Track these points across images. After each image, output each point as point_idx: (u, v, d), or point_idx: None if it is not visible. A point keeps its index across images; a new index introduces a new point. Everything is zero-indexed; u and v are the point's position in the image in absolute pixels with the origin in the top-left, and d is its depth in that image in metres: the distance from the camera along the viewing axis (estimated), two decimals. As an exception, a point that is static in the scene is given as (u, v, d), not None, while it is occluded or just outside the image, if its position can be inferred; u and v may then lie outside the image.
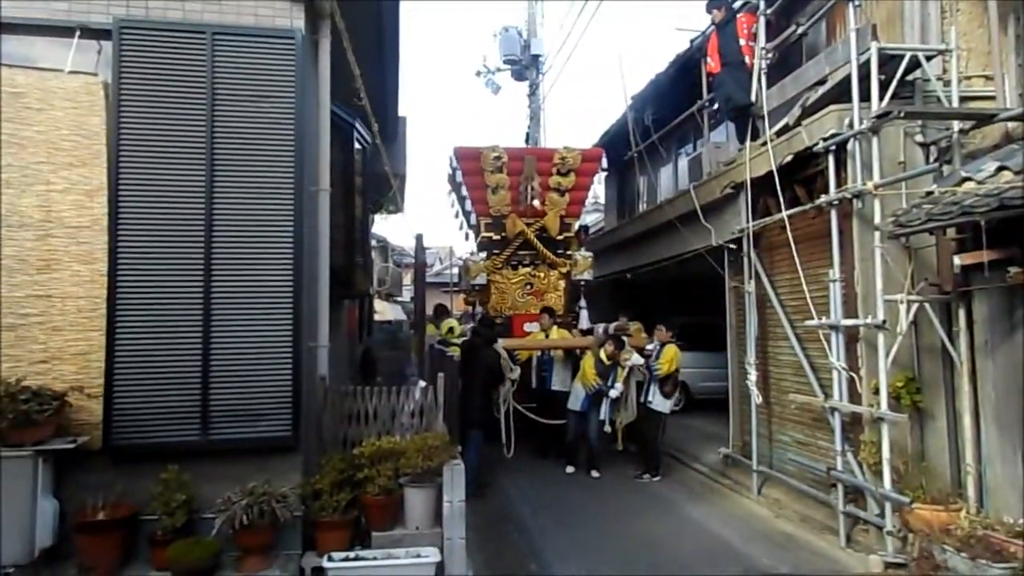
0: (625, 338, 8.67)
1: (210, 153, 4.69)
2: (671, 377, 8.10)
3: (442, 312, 10.96)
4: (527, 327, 9.77)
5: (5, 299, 4.39)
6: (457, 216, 11.02)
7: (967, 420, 5.21)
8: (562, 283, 10.38)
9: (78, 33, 4.62)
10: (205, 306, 4.63)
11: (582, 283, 10.53)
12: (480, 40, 52.85)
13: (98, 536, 4.24)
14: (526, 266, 10.30)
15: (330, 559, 4.39)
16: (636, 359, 8.46)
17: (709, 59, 8.21)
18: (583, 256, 10.50)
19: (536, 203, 10.04)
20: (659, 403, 8.10)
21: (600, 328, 9.68)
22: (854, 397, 5.80)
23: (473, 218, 10.32)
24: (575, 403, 8.35)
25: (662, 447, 8.38)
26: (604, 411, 8.39)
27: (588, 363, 8.21)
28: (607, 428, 8.54)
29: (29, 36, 4.61)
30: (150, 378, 4.53)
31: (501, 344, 8.42)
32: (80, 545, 4.25)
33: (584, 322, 10.46)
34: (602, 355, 8.14)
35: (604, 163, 10.64)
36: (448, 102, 65.13)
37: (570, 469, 8.38)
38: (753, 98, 7.44)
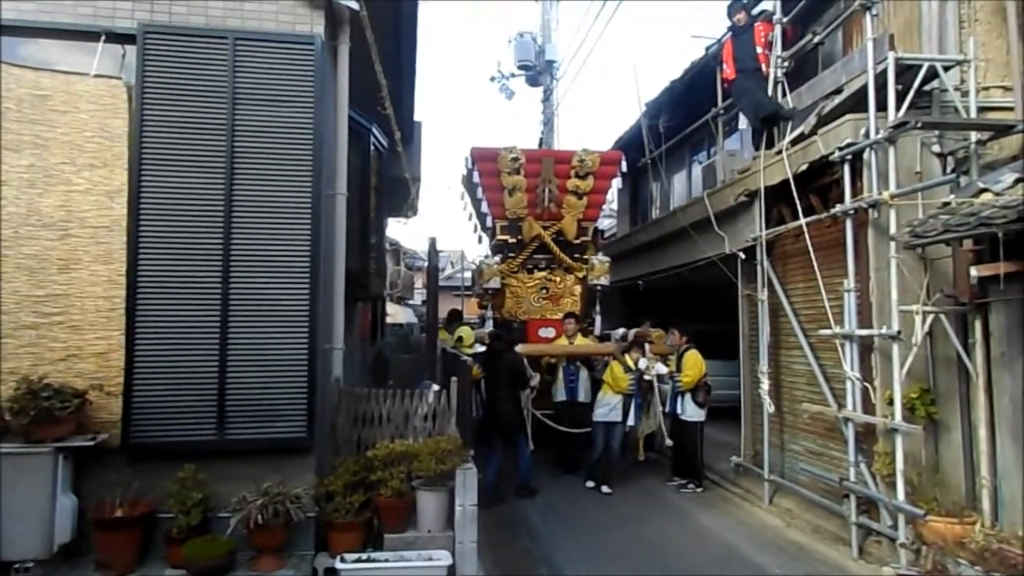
0: (647, 345, 8.55)
1: (230, 156, 4.76)
2: (703, 386, 7.84)
3: (455, 317, 10.71)
4: (542, 332, 9.66)
5: (27, 298, 4.47)
6: (471, 219, 10.87)
7: (983, 432, 5.17)
8: (578, 288, 10.19)
9: (103, 37, 4.70)
10: (222, 307, 4.69)
11: (598, 288, 10.33)
12: (495, 46, 52.95)
13: (116, 533, 4.31)
14: (542, 270, 10.10)
15: (343, 560, 4.42)
16: (660, 368, 8.32)
17: (724, 65, 8.21)
18: (600, 260, 10.16)
19: (553, 206, 9.87)
20: (692, 412, 7.88)
21: (619, 333, 9.43)
22: (868, 407, 5.76)
23: (488, 220, 10.08)
24: (606, 414, 7.91)
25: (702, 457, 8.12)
26: (631, 418, 8.05)
27: (617, 370, 7.92)
28: (638, 434, 8.39)
29: (48, 40, 4.69)
30: (168, 378, 4.60)
31: (520, 349, 8.32)
32: (98, 541, 4.33)
33: (597, 328, 10.35)
34: (628, 361, 7.97)
35: (623, 166, 10.45)
36: (462, 108, 65.30)
37: (591, 484, 7.93)
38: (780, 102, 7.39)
